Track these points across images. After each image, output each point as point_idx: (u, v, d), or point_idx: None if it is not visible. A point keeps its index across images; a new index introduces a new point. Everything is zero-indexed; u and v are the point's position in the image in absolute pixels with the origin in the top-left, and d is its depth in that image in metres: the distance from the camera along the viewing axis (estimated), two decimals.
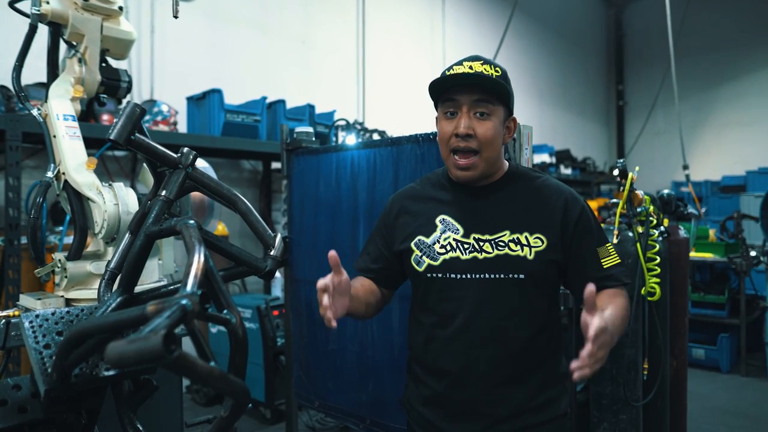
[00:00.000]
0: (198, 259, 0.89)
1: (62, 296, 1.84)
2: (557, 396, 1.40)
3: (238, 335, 0.94)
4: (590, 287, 1.06)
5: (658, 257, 2.42)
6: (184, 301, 0.77)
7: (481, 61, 1.35)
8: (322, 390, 2.44)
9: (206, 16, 4.52)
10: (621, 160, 2.48)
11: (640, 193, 2.44)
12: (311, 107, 4.37)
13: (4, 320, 1.67)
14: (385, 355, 2.19)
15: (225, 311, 0.94)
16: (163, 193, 1.07)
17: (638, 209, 2.42)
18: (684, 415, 2.80)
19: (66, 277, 1.83)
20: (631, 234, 2.43)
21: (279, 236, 1.14)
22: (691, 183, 6.62)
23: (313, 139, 2.69)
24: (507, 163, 1.46)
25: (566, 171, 7.63)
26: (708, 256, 4.88)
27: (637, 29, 11.19)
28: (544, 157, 7.15)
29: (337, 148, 2.47)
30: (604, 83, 11.24)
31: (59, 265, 1.84)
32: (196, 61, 4.42)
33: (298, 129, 2.69)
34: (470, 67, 1.33)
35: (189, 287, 0.84)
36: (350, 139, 4.39)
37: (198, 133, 3.84)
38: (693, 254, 4.83)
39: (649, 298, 2.43)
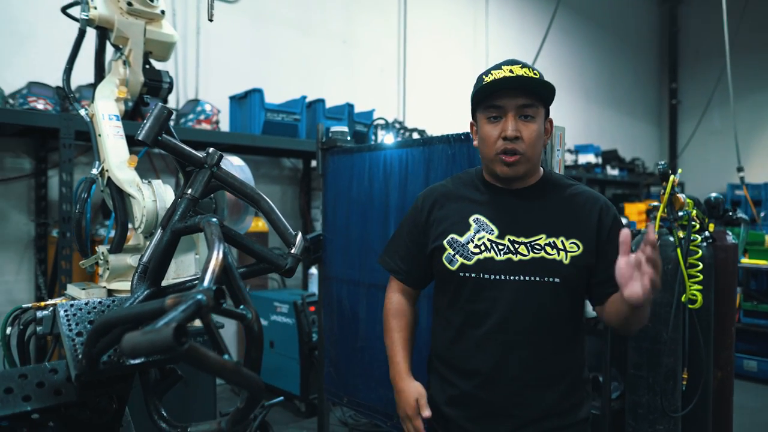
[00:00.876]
0: (216, 256, 0.92)
1: (105, 287, 1.95)
2: (581, 401, 1.40)
3: (253, 330, 0.97)
4: (625, 231, 1.17)
5: (700, 263, 2.32)
6: (199, 296, 0.80)
7: (520, 65, 1.35)
8: (351, 386, 2.47)
9: (249, 16, 4.64)
10: (662, 162, 2.39)
11: (681, 196, 2.35)
12: (350, 106, 4.42)
13: (51, 308, 1.79)
14: (414, 354, 2.20)
15: (242, 306, 0.98)
16: (189, 191, 1.12)
17: (679, 213, 2.33)
18: (729, 430, 2.68)
19: (108, 269, 1.93)
20: (671, 239, 2.35)
21: (300, 235, 1.17)
22: (748, 186, 6.29)
23: (348, 138, 2.73)
24: (542, 169, 1.46)
25: (613, 172, 7.40)
26: (763, 263, 4.63)
27: (693, 25, 10.71)
28: (589, 158, 6.97)
29: (371, 148, 2.50)
30: (656, 81, 10.83)
31: (102, 258, 1.95)
32: (240, 60, 4.54)
33: (334, 128, 2.73)
34: (511, 71, 1.32)
35: (206, 282, 0.87)
36: (388, 139, 4.41)
37: (239, 131, 3.95)
38: (746, 261, 4.59)
39: (690, 306, 2.34)
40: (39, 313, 1.75)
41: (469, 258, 1.36)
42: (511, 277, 1.33)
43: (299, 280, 4.75)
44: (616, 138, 9.13)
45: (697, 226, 2.36)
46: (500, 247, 1.35)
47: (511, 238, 1.36)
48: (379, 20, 5.74)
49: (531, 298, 1.33)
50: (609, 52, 9.28)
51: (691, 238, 2.33)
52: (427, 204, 1.49)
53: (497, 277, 1.34)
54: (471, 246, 1.37)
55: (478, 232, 1.38)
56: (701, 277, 2.32)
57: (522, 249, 1.34)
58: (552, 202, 1.40)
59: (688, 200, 2.37)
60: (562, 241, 1.34)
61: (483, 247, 1.36)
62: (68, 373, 1.10)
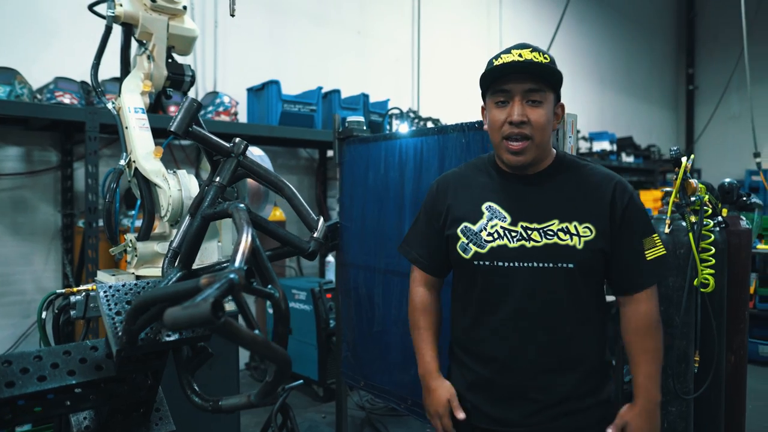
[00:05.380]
0: (245, 239, 0.98)
1: (133, 273, 2.04)
2: (601, 383, 1.40)
3: (280, 307, 1.04)
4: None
5: (712, 248, 2.35)
6: (232, 275, 0.87)
7: (530, 49, 1.34)
8: (368, 370, 2.55)
9: (266, 9, 4.69)
10: (675, 148, 2.41)
11: (693, 182, 2.37)
12: (365, 96, 4.46)
13: (84, 293, 1.88)
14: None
15: (269, 286, 1.04)
16: (217, 179, 1.18)
17: (692, 198, 2.36)
18: (742, 413, 2.71)
19: (136, 256, 2.01)
20: (684, 224, 2.37)
21: (321, 220, 1.24)
22: (765, 171, 6.23)
23: (364, 128, 2.78)
24: (554, 152, 1.44)
25: (628, 159, 7.36)
26: None
27: (712, 9, 10.54)
28: (604, 145, 6.94)
29: (386, 137, 2.55)
30: (672, 66, 10.69)
31: (130, 246, 2.03)
32: (257, 53, 4.61)
33: (350, 118, 2.78)
34: (520, 55, 1.32)
35: (237, 263, 0.94)
36: (403, 128, 4.46)
37: (257, 122, 4.03)
38: (762, 247, 4.58)
39: (702, 290, 2.37)
40: (72, 298, 1.85)
41: (483, 246, 1.37)
42: (525, 264, 1.33)
43: (316, 267, 4.84)
44: (632, 125, 9.06)
45: (710, 211, 2.38)
46: (513, 234, 1.35)
47: (524, 224, 1.35)
48: (392, 10, 5.76)
49: (545, 284, 1.33)
50: (624, 38, 9.18)
51: (704, 223, 2.35)
52: (442, 190, 1.50)
53: (511, 264, 1.34)
54: (484, 234, 1.37)
55: (491, 219, 1.38)
56: (713, 261, 2.35)
57: (535, 235, 1.34)
58: (565, 185, 1.38)
59: (700, 185, 2.39)
60: (575, 226, 1.33)
61: (496, 235, 1.36)
62: (108, 350, 1.18)
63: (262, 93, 4.02)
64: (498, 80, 1.34)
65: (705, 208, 2.36)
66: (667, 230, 2.38)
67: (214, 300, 0.79)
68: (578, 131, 7.42)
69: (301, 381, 2.93)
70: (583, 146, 7.05)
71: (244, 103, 4.20)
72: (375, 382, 2.53)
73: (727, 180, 2.85)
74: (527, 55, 1.32)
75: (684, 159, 2.34)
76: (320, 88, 4.22)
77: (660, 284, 2.37)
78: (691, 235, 2.31)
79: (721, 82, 9.18)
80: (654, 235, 1.38)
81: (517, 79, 1.32)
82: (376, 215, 2.53)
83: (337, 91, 4.29)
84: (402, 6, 5.84)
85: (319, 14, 5.09)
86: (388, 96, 4.98)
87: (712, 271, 2.35)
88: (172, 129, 1.11)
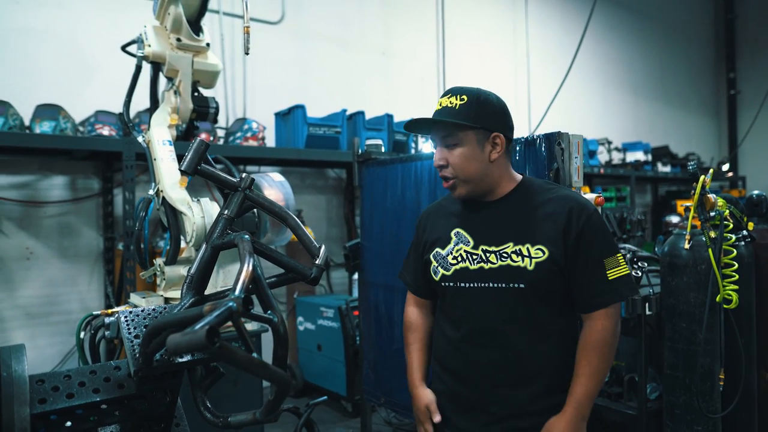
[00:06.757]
0: (246, 269, 1.07)
1: (162, 295, 2.17)
2: (561, 400, 1.42)
3: (279, 332, 1.12)
4: None
5: (735, 263, 2.31)
6: (230, 303, 0.95)
7: (449, 95, 1.46)
8: (388, 387, 2.60)
9: (291, 35, 4.87)
10: (692, 163, 2.39)
11: (712, 196, 2.34)
12: (389, 117, 4.56)
13: (116, 315, 2.02)
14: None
15: (269, 312, 1.13)
16: (226, 212, 1.28)
17: (711, 213, 2.33)
18: None
19: (164, 279, 2.15)
20: (704, 239, 2.34)
21: (323, 248, 1.32)
22: None
23: (383, 150, 2.87)
24: (519, 177, 1.53)
25: (664, 169, 7.19)
26: None
27: (752, 10, 10.23)
28: (638, 155, 6.81)
29: (402, 159, 2.63)
30: (711, 72, 10.39)
31: (159, 270, 2.17)
32: (283, 78, 4.78)
33: (369, 141, 2.88)
34: (440, 104, 1.47)
35: (237, 292, 1.02)
36: (427, 147, 4.53)
37: (284, 146, 4.18)
38: None
39: (725, 306, 2.32)
40: (106, 320, 1.99)
41: (448, 269, 1.49)
42: (483, 285, 1.44)
43: (345, 285, 4.93)
44: (669, 133, 8.85)
45: (731, 226, 2.34)
46: (474, 257, 1.46)
47: (484, 247, 1.45)
48: (417, 30, 5.86)
49: (499, 303, 1.42)
50: (658, 44, 9.00)
51: (726, 237, 2.32)
52: (422, 222, 1.65)
53: (471, 285, 1.45)
54: (450, 258, 1.50)
55: (457, 244, 1.50)
56: (737, 276, 2.31)
57: (492, 257, 1.43)
58: (521, 210, 1.46)
59: (719, 200, 2.36)
60: (527, 248, 1.40)
61: (460, 258, 1.48)
62: (129, 370, 1.28)
63: (288, 117, 4.17)
64: (426, 130, 1.54)
65: (725, 223, 2.33)
66: (687, 246, 2.36)
67: (210, 327, 0.87)
68: (610, 142, 7.25)
69: (325, 397, 3.01)
70: (616, 157, 6.94)
71: (272, 128, 4.37)
72: (395, 399, 2.58)
73: (756, 192, 2.80)
74: (445, 102, 1.45)
75: (702, 176, 2.32)
76: (344, 111, 4.34)
77: (681, 301, 2.36)
78: (710, 250, 2.28)
79: (765, 85, 8.89)
80: (617, 255, 1.41)
81: (435, 128, 1.48)
82: (394, 235, 2.60)
83: (361, 113, 4.40)
84: (426, 25, 5.94)
85: (344, 38, 5.24)
86: (414, 115, 5.06)
87: (736, 287, 2.31)
88: (182, 168, 1.22)
